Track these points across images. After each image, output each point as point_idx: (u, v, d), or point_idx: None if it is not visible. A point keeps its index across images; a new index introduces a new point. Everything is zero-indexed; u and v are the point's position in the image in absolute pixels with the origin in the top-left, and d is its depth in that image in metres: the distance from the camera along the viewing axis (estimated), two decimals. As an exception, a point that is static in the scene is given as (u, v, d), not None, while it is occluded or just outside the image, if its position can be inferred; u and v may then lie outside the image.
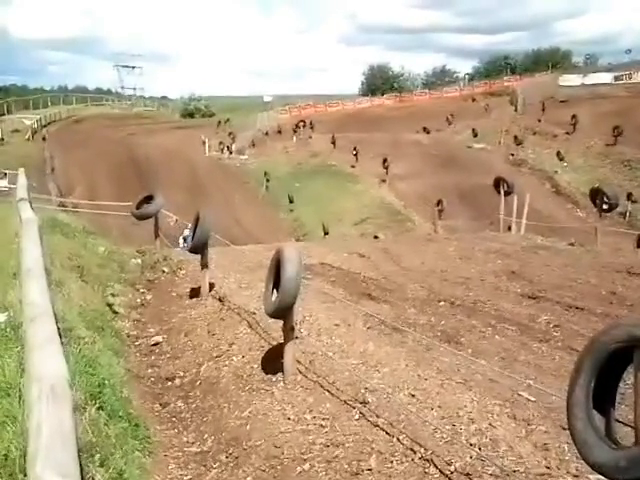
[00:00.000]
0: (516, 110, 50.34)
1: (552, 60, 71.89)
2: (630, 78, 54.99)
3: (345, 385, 4.43)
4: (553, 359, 5.02)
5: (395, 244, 12.40)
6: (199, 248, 7.27)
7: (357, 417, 3.99)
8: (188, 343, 6.06)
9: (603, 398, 2.18)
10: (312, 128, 52.36)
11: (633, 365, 2.05)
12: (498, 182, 15.58)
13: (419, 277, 8.45)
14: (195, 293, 7.36)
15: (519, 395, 4.09)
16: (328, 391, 4.40)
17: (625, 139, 36.94)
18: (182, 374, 5.42)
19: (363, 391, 4.27)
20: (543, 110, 47.30)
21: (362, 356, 4.95)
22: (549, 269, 8.68)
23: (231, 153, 48.36)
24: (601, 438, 2.11)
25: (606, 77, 56.31)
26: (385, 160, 35.48)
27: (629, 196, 28.12)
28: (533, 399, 4.00)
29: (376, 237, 19.99)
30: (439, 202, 22.58)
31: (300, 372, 4.77)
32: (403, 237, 20.51)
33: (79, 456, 1.67)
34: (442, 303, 6.98)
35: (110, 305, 6.97)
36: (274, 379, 4.78)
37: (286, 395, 4.51)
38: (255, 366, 5.09)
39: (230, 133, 52.03)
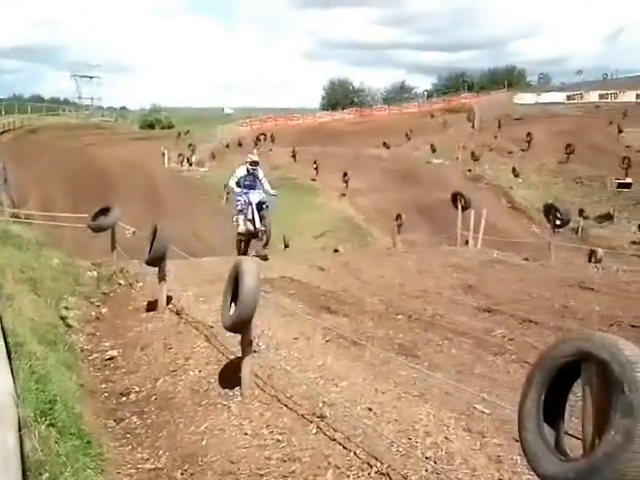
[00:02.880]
0: (473, 127, 51.42)
1: (508, 79, 73.89)
2: (582, 98, 57.03)
3: (303, 399, 4.42)
4: (507, 372, 5.11)
5: (355, 258, 12.46)
6: (156, 261, 7.18)
7: (314, 431, 3.99)
8: (144, 357, 5.96)
9: (553, 411, 2.23)
10: (273, 141, 52.48)
11: (581, 379, 2.11)
12: (455, 197, 15.83)
13: (378, 291, 8.50)
14: (152, 306, 7.26)
15: (474, 408, 4.15)
16: (286, 405, 4.39)
17: (577, 157, 38.15)
18: (137, 389, 5.32)
19: (321, 405, 4.27)
20: (499, 127, 48.52)
21: (320, 370, 4.95)
22: (504, 283, 8.85)
23: (191, 165, 48.01)
24: (551, 450, 2.15)
25: (559, 96, 58.30)
26: (345, 174, 35.77)
27: (581, 212, 28.97)
28: (488, 412, 4.06)
29: (336, 250, 20.04)
30: (398, 216, 22.77)
31: (258, 386, 4.74)
32: (363, 251, 20.61)
33: (26, 476, 1.62)
34: (400, 316, 7.03)
35: (64, 319, 6.81)
36: (231, 393, 4.74)
37: (243, 410, 4.47)
38: (212, 380, 5.04)
39: (190, 145, 51.68)
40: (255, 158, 11.82)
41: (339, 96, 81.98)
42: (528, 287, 8.35)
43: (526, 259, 11.54)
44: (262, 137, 54.23)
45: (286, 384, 4.70)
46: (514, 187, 36.47)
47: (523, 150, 42.83)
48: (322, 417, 4.12)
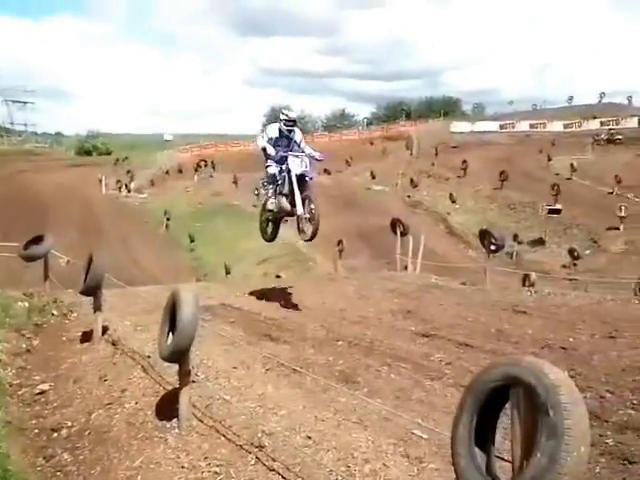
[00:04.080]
0: (411, 154, 52.66)
1: (444, 108, 76.16)
2: (513, 127, 59.52)
3: (242, 429, 4.36)
4: (445, 396, 5.17)
5: (297, 284, 12.46)
6: (92, 290, 7.00)
7: (253, 462, 3.94)
8: (77, 390, 5.77)
9: (484, 435, 2.28)
10: (214, 167, 52.31)
11: (510, 403, 2.17)
12: (394, 223, 16.09)
13: (319, 317, 8.51)
14: (87, 337, 7.05)
15: (412, 433, 4.19)
16: (224, 436, 4.32)
17: (510, 183, 39.61)
18: (70, 424, 5.13)
19: (260, 435, 4.23)
20: (436, 155, 49.97)
21: (260, 399, 4.90)
22: (442, 308, 8.99)
23: (129, 192, 47.37)
24: (482, 474, 2.20)
25: (492, 125, 60.66)
26: (287, 200, 35.92)
27: (515, 237, 29.96)
28: (426, 437, 4.10)
29: (278, 276, 20.02)
30: (340, 242, 22.93)
31: (196, 417, 4.65)
32: (305, 276, 20.66)
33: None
34: (340, 343, 7.05)
35: (-9, 352, 6.53)
36: (168, 426, 4.64)
37: (180, 442, 4.38)
38: (149, 413, 4.91)
39: (129, 171, 51.05)
40: (293, 115, 9.02)
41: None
42: (465, 311, 8.51)
43: (463, 283, 11.76)
44: (203, 163, 54.00)
45: (225, 414, 4.63)
46: (451, 213, 37.42)
47: (459, 177, 44.11)
48: (261, 447, 4.08)
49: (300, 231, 8.77)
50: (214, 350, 6.08)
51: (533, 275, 15.72)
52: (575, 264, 27.37)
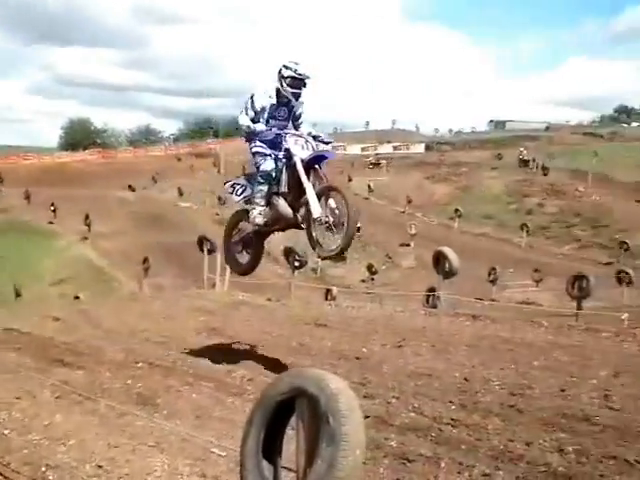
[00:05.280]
0: (219, 172, 52.75)
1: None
2: (318, 149, 62.37)
3: (22, 465, 4.00)
4: (245, 412, 5.17)
5: (96, 305, 11.84)
6: None
7: (35, 500, 3.62)
8: None
9: (272, 448, 2.31)
10: (1, 182, 47.78)
11: (295, 414, 2.23)
12: (201, 241, 15.98)
13: (119, 339, 8.17)
14: None
15: (211, 452, 4.14)
16: (2, 474, 3.91)
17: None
18: None
19: (44, 469, 3.90)
20: (244, 172, 50.56)
21: (46, 430, 4.54)
22: (248, 324, 9.08)
23: None
24: (269, 486, 2.23)
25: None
26: (87, 217, 34.00)
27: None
28: (224, 454, 4.08)
29: (77, 297, 18.89)
30: (145, 260, 22.22)
31: (-32, 458, 4.16)
32: (106, 297, 19.63)
33: None
34: (140, 364, 6.79)
35: None
36: None
37: (-53, 487, 3.89)
38: None
39: None
40: (303, 70, 5.89)
41: (79, 136, 77.85)
42: (269, 327, 8.67)
43: (269, 299, 12.00)
44: (-12, 176, 49.09)
45: (3, 450, 4.21)
46: (260, 230, 38.02)
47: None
48: (45, 483, 3.77)
49: (315, 244, 5.76)
50: (-6, 380, 5.53)
51: (334, 289, 16.58)
52: (372, 279, 29.25)
